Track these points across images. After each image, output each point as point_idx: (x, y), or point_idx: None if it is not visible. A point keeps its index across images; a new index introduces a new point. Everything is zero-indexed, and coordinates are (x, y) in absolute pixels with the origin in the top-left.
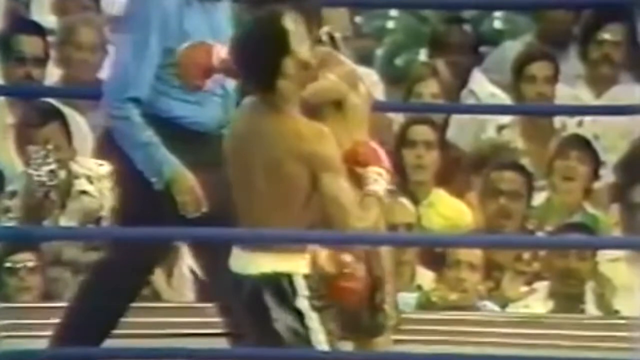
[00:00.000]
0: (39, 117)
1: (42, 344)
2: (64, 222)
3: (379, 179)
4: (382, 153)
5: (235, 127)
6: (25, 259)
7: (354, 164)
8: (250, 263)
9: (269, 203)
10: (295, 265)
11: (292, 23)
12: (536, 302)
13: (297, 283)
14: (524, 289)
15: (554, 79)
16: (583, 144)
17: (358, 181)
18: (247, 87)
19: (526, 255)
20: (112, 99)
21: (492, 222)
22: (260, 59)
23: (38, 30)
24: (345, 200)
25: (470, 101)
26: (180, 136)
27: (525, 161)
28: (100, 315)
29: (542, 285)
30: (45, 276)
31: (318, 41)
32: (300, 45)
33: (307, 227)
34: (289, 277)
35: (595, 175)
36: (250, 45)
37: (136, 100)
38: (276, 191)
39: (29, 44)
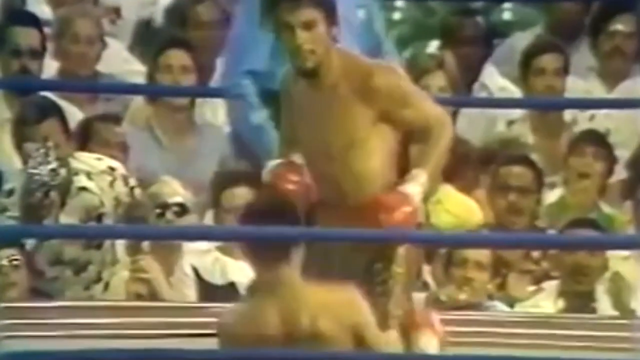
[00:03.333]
0: (36, 113)
1: (43, 345)
2: (64, 219)
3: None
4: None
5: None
6: (9, 255)
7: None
8: None
9: None
10: None
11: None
12: (546, 301)
13: None
14: (532, 288)
15: (563, 71)
16: (598, 140)
17: None
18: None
19: (535, 253)
20: (228, 73)
21: (501, 219)
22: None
23: (34, 22)
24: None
25: (482, 95)
26: None
27: (535, 156)
28: None
29: (551, 284)
30: (43, 275)
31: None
32: None
33: None
34: None
35: (610, 172)
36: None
37: (253, 74)
38: None
39: (25, 36)
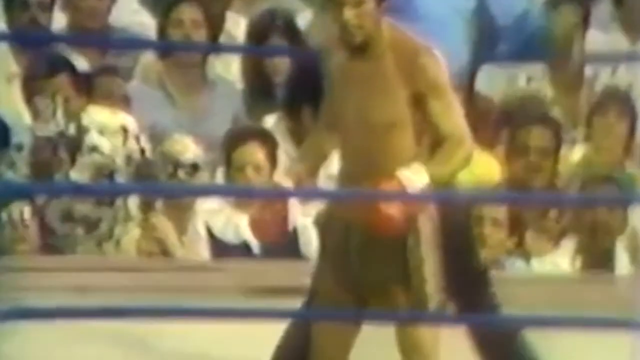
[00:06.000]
0: (46, 67)
1: (50, 300)
2: (74, 176)
3: None
4: None
5: None
6: (20, 209)
7: None
8: None
9: None
10: None
11: None
12: (564, 258)
13: None
14: (550, 245)
15: (583, 23)
16: (622, 98)
17: None
18: None
19: (553, 213)
20: None
21: (520, 178)
22: None
23: None
24: None
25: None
26: None
27: (555, 111)
28: None
29: (570, 241)
30: (54, 232)
31: None
32: None
33: None
34: None
35: (634, 129)
36: None
37: None
38: None
39: None
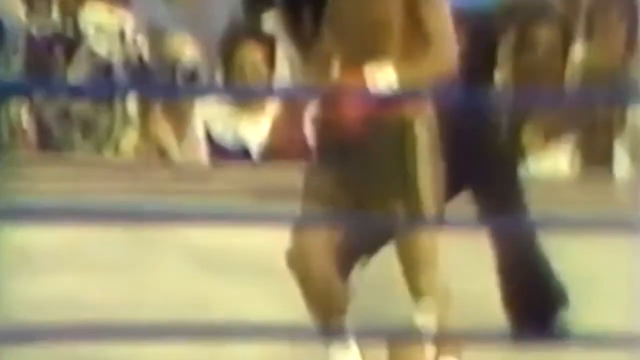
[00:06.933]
0: None
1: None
2: (71, 75)
3: None
4: None
5: None
6: (18, 108)
7: None
8: None
9: None
10: None
11: None
12: (562, 158)
13: None
14: (549, 143)
15: None
16: None
17: None
18: None
19: (552, 111)
20: None
21: (527, 78)
22: None
23: None
24: None
25: None
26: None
27: (557, 8)
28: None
29: (568, 140)
30: (52, 132)
31: None
32: None
33: None
34: None
35: (636, 27)
36: None
37: None
38: None
39: None
